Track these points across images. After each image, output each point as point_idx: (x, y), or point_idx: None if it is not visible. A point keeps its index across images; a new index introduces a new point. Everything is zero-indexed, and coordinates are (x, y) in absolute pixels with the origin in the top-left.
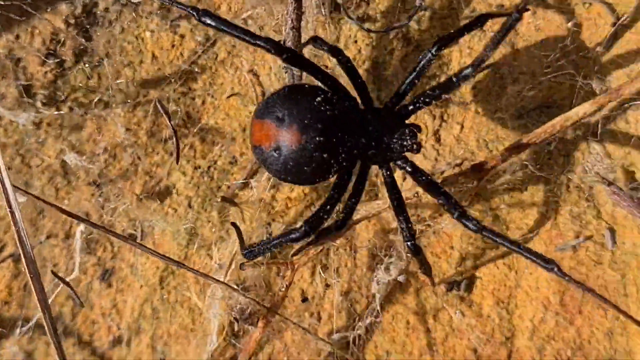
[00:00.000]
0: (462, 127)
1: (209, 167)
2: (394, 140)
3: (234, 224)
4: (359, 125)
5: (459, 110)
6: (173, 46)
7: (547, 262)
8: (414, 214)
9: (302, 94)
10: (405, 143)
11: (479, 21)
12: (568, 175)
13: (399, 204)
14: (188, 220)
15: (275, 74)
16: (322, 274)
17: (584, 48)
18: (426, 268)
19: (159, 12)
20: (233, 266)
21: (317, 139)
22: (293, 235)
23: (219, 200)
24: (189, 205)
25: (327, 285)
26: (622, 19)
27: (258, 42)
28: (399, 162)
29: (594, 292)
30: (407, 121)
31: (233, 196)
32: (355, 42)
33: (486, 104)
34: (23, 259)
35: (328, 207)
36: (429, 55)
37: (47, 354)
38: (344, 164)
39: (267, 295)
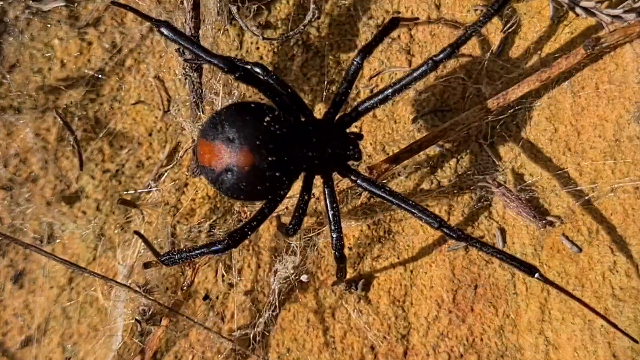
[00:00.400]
0: (360, 130)
1: (117, 171)
2: (337, 150)
3: (137, 233)
4: (305, 139)
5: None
6: (81, 53)
7: (528, 268)
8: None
9: (251, 113)
10: (347, 152)
11: (392, 25)
12: (460, 177)
13: (334, 214)
14: (96, 223)
15: (179, 80)
16: (225, 274)
17: (475, 53)
18: (342, 275)
19: (67, 20)
20: (137, 268)
21: (269, 158)
22: (215, 248)
23: (119, 201)
24: (98, 209)
25: (231, 285)
26: (512, 25)
27: (212, 60)
28: (343, 171)
29: (577, 298)
30: (348, 130)
31: (135, 199)
32: (258, 48)
33: (383, 108)
34: None
35: (255, 223)
36: (355, 64)
37: None
38: (293, 177)
39: (171, 295)
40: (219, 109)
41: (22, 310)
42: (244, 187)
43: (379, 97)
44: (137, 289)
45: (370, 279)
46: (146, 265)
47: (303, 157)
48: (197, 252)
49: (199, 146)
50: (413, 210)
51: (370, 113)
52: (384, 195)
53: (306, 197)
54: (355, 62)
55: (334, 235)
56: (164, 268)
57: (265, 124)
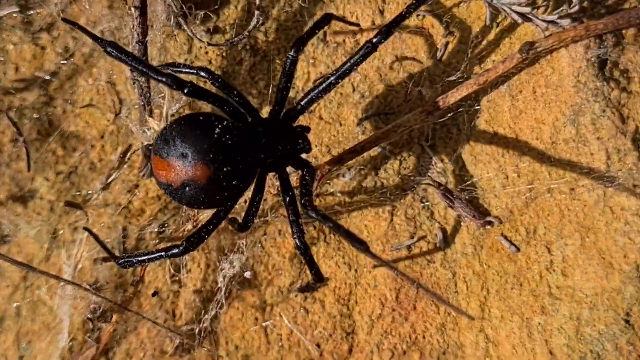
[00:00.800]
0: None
1: (69, 173)
2: (287, 145)
3: (87, 229)
4: (256, 141)
5: (305, 116)
6: (35, 58)
7: (359, 242)
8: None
9: (201, 126)
10: (296, 146)
11: (325, 20)
12: (403, 177)
13: (291, 202)
14: (50, 223)
15: (131, 84)
16: (176, 273)
17: (418, 57)
18: (314, 272)
19: (21, 25)
20: (86, 267)
21: (225, 169)
22: (174, 251)
23: (65, 204)
24: (51, 209)
25: (180, 283)
26: (452, 29)
27: (159, 78)
28: (296, 165)
29: (422, 286)
30: (294, 124)
31: (86, 201)
32: (207, 53)
33: (328, 111)
34: None
35: (210, 226)
36: (290, 58)
37: None
38: (250, 181)
39: (121, 293)
40: (168, 123)
41: None
42: (204, 198)
43: (322, 86)
44: (87, 287)
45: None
46: (96, 261)
47: (256, 159)
48: (155, 255)
49: (154, 163)
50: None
51: (317, 115)
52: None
53: (259, 195)
54: (290, 56)
55: (292, 223)
56: (115, 267)
57: (216, 135)
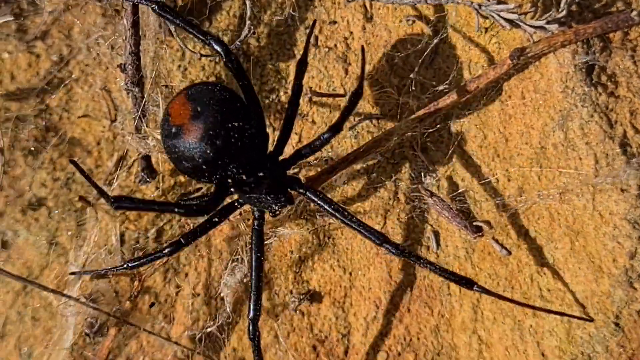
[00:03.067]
0: (300, 137)
1: (67, 179)
2: (271, 196)
3: (73, 162)
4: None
5: (297, 120)
6: (30, 66)
7: (466, 281)
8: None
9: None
10: (275, 205)
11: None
12: (396, 182)
13: (257, 264)
14: (48, 229)
15: (126, 91)
16: (174, 279)
17: (408, 62)
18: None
19: (15, 34)
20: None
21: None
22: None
23: (77, 199)
24: (49, 216)
25: (179, 288)
26: (441, 35)
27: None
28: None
29: (520, 302)
30: (290, 172)
31: (83, 208)
32: (200, 59)
33: (322, 116)
34: None
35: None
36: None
37: None
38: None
39: (118, 304)
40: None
41: None
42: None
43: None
44: (84, 300)
45: (311, 282)
46: (81, 198)
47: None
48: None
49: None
50: (358, 228)
51: (310, 119)
52: (330, 210)
53: (217, 220)
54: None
55: (251, 300)
56: (111, 279)
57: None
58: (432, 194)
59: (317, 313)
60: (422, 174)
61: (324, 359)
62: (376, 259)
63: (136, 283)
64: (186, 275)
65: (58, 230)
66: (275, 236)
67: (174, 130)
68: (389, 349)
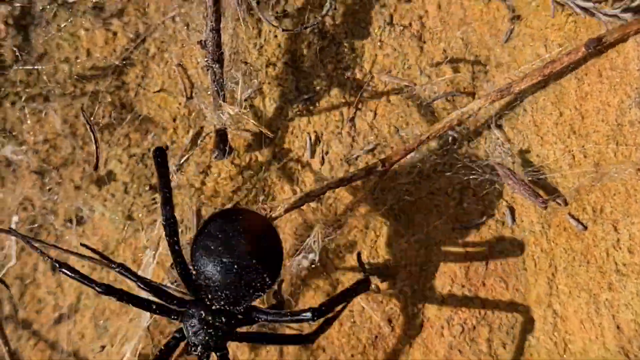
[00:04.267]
0: (376, 114)
1: (143, 155)
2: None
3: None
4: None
5: (372, 98)
6: (106, 43)
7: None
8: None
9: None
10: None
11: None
12: (472, 159)
13: None
14: (124, 205)
15: (202, 68)
16: None
17: (483, 42)
18: None
19: (92, 11)
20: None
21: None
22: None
23: (151, 184)
24: (125, 191)
25: None
26: (517, 13)
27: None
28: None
29: None
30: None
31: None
32: (276, 36)
33: (397, 94)
34: None
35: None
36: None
37: None
38: None
39: None
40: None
41: (55, 288)
42: None
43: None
44: (162, 284)
45: (386, 256)
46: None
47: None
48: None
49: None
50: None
51: (385, 98)
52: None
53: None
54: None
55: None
56: None
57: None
58: (506, 170)
59: (393, 287)
60: (497, 151)
61: (400, 333)
62: (452, 234)
63: None
64: None
65: (134, 205)
66: (350, 216)
67: (237, 226)
68: (464, 322)
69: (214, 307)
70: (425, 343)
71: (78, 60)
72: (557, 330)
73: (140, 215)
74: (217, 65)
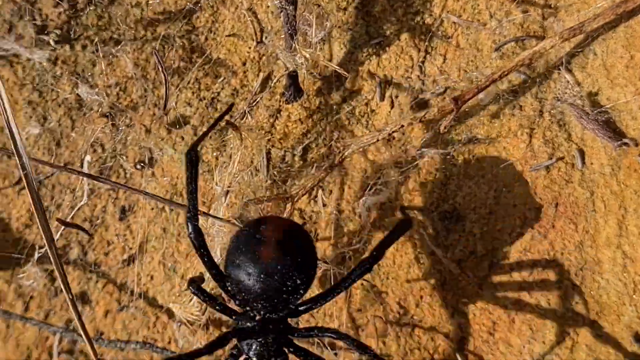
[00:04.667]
0: (445, 58)
1: (212, 99)
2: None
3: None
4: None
5: (442, 43)
6: None
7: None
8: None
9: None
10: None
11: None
12: (541, 102)
13: None
14: None
15: (271, 12)
16: (323, 196)
17: None
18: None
19: None
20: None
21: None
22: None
23: (224, 124)
24: (195, 134)
25: (324, 205)
26: None
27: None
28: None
29: None
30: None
31: (239, 126)
32: None
33: (467, 37)
34: (28, 193)
35: None
36: None
37: (67, 272)
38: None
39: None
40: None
41: (124, 230)
42: None
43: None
44: (235, 221)
45: (456, 199)
46: (246, 203)
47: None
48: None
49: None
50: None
51: (454, 42)
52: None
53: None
54: None
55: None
56: (263, 204)
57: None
58: (579, 110)
59: (462, 230)
60: (567, 93)
61: (469, 274)
62: (521, 176)
63: (288, 206)
64: (330, 192)
65: (203, 148)
66: (416, 165)
67: (257, 236)
68: (533, 264)
69: (257, 318)
70: (494, 284)
71: (149, 4)
72: (627, 272)
73: (209, 157)
74: (291, 7)
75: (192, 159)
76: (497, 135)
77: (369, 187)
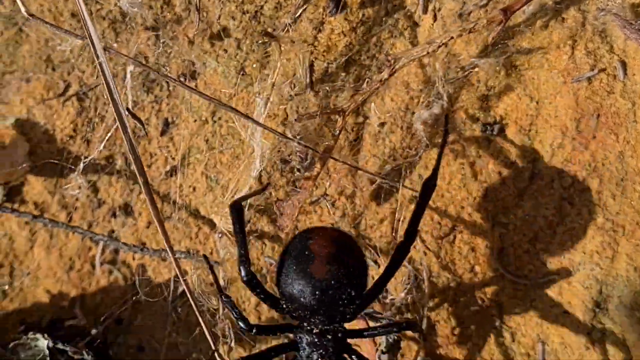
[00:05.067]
0: None
1: (255, 12)
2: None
3: (205, 258)
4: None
5: None
6: None
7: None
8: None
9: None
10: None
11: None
12: (584, 13)
13: None
14: (237, 60)
15: None
16: (375, 109)
17: None
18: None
19: None
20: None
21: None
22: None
23: (262, 33)
24: (238, 47)
25: (378, 118)
26: None
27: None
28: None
29: None
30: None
31: (277, 37)
32: None
33: None
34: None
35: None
36: None
37: (110, 183)
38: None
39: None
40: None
41: (167, 142)
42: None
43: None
44: (279, 132)
45: (497, 111)
46: (297, 118)
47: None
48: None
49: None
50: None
51: None
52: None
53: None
54: None
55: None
56: (315, 119)
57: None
58: (621, 18)
59: (503, 141)
60: (610, 4)
61: (510, 185)
62: (563, 87)
63: (339, 119)
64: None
65: (246, 61)
66: (464, 70)
67: (306, 252)
68: (575, 175)
69: (315, 331)
70: (535, 195)
71: None
72: None
73: (252, 69)
74: None
75: (238, 211)
76: (539, 47)
77: (421, 101)
